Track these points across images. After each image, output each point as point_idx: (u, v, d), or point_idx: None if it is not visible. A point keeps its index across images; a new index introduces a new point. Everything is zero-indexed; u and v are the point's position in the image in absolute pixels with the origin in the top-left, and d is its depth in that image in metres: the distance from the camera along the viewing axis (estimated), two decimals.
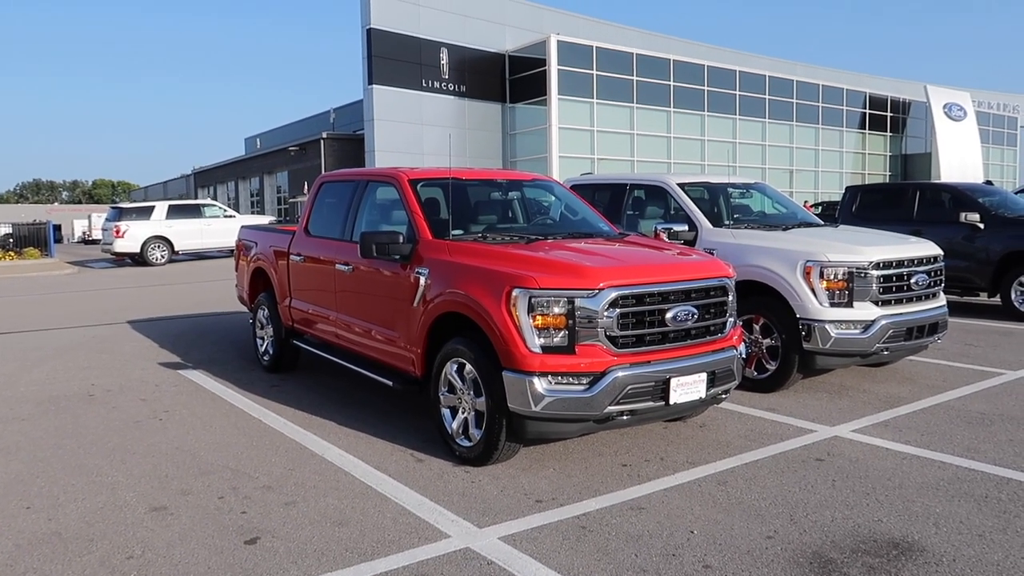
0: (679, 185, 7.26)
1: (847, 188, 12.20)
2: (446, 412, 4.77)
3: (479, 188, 5.98)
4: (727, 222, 7.06)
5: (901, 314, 6.06)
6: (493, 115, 35.45)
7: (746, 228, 6.84)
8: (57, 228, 31.02)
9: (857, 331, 5.91)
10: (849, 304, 5.94)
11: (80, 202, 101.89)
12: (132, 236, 21.69)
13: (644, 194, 7.70)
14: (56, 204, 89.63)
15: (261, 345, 7.51)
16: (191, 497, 4.14)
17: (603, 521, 3.77)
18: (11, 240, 26.25)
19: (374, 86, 31.47)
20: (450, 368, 4.68)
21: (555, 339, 4.17)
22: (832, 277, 5.93)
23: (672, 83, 37.13)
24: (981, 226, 10.20)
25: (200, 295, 14.33)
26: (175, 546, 3.52)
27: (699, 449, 4.87)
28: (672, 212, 7.38)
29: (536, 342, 4.16)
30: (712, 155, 38.76)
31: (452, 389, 4.73)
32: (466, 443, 4.60)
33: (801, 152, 43.30)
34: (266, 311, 7.35)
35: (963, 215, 10.21)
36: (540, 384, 4.12)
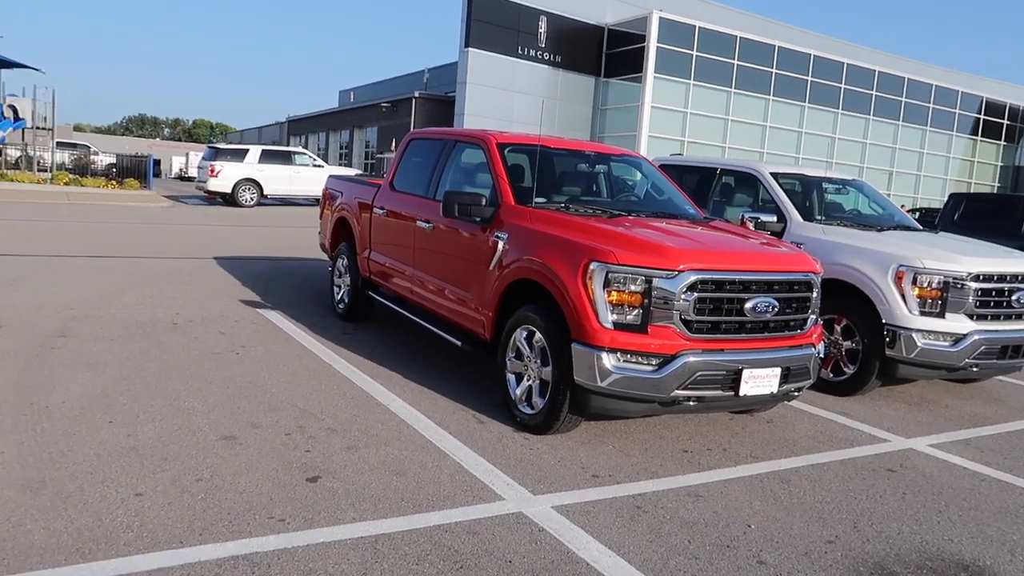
0: (772, 174, 7.02)
1: (951, 195, 11.60)
2: (511, 378, 4.79)
3: (566, 158, 5.91)
4: (818, 217, 6.79)
5: (997, 331, 5.74)
6: (586, 88, 35.02)
7: (838, 225, 6.57)
8: (157, 163, 32.39)
9: (946, 343, 5.63)
10: (941, 315, 5.65)
11: (180, 139, 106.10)
12: (225, 176, 22.44)
13: (734, 180, 7.48)
14: (157, 140, 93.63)
15: (337, 293, 7.68)
16: (259, 431, 4.29)
17: (658, 504, 3.73)
18: (114, 170, 27.55)
19: (470, 49, 31.48)
20: (519, 334, 4.68)
21: (628, 317, 4.11)
22: (925, 285, 5.65)
23: (774, 70, 35.86)
24: None
25: (283, 239, 14.76)
26: (241, 475, 3.66)
27: (764, 444, 4.76)
28: (761, 202, 7.15)
29: (609, 317, 4.11)
30: (809, 148, 37.42)
31: (519, 355, 4.73)
32: (528, 410, 4.61)
33: (904, 154, 41.33)
34: (345, 260, 7.50)
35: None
36: (608, 360, 4.08)
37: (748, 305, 4.25)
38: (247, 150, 23.51)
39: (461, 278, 5.37)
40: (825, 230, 6.38)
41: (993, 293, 5.76)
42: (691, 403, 4.24)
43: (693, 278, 4.10)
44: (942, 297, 5.65)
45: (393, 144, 34.91)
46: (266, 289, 8.95)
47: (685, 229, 4.86)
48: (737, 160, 7.59)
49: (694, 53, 33.52)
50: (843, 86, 38.18)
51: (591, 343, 4.12)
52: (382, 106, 38.41)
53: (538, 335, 4.50)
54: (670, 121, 33.56)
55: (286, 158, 23.91)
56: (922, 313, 5.66)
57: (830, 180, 7.45)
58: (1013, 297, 5.84)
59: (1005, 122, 45.71)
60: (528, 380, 4.64)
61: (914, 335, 5.62)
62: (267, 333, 6.74)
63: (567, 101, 34.27)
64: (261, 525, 3.18)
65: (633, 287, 4.10)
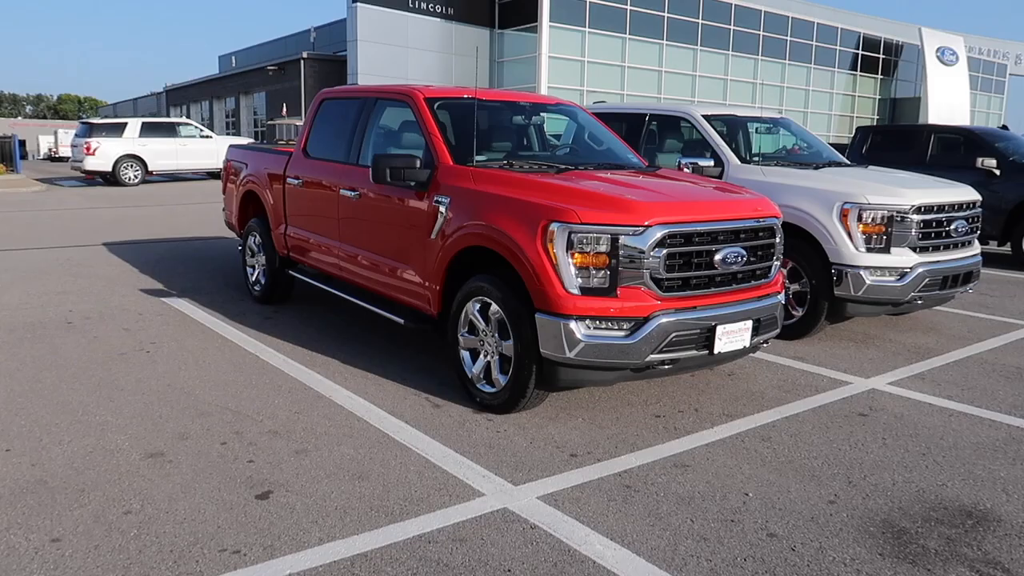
0: (704, 117, 6.79)
1: (858, 128, 11.79)
2: (465, 355, 4.40)
3: (500, 111, 5.47)
4: (755, 158, 6.63)
5: (938, 262, 5.75)
6: (481, 40, 34.15)
7: (776, 166, 6.43)
8: (22, 143, 29.66)
9: (892, 278, 5.59)
10: (886, 250, 5.60)
11: (45, 117, 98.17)
12: (104, 154, 20.70)
13: (664, 125, 7.23)
14: (19, 119, 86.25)
15: (252, 274, 7.04)
16: (190, 442, 3.76)
17: (648, 480, 3.46)
18: None
19: (358, 4, 30.03)
20: (472, 307, 4.28)
21: (595, 280, 3.78)
22: (871, 220, 5.58)
23: (666, 15, 35.99)
24: (997, 172, 9.89)
25: (177, 218, 13.70)
26: (177, 499, 3.15)
27: (733, 400, 4.57)
28: (694, 145, 6.93)
29: (574, 282, 3.77)
30: (703, 92, 37.96)
31: (473, 330, 4.35)
32: (489, 388, 4.24)
33: (792, 92, 42.62)
34: (257, 238, 6.85)
35: (979, 160, 9.88)
36: (577, 328, 3.75)
37: (718, 257, 3.99)
38: (125, 124, 21.75)
39: (398, 250, 4.90)
40: (764, 171, 6.22)
41: (934, 224, 5.75)
42: (666, 367, 3.98)
43: (661, 232, 3.80)
44: (887, 232, 5.59)
45: (284, 109, 33.22)
46: (168, 275, 8.16)
47: (638, 180, 4.54)
48: (666, 105, 7.34)
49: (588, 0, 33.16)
50: (732, 28, 38.78)
51: (557, 311, 3.78)
52: (268, 69, 36.40)
53: (494, 307, 4.12)
54: (569, 71, 33.25)
55: (170, 130, 22.27)
56: (868, 250, 5.59)
57: (759, 120, 7.30)
58: (952, 227, 5.86)
59: (881, 56, 47.78)
60: (486, 356, 4.27)
61: (861, 272, 5.56)
62: (178, 325, 6.08)
63: (463, 56, 33.38)
64: (212, 561, 2.71)
65: (599, 247, 3.76)
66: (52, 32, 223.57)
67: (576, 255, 3.77)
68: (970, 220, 6.05)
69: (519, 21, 33.46)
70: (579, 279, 3.77)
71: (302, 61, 33.83)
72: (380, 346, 5.52)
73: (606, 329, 3.80)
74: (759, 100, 40.51)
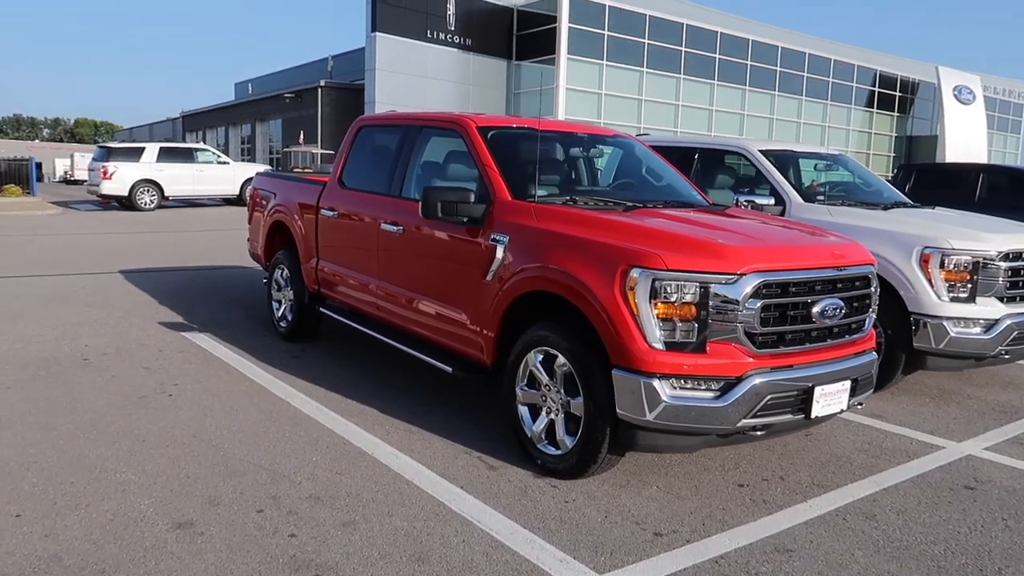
0: (761, 152, 6.40)
1: (900, 166, 11.41)
2: (524, 411, 3.97)
3: (555, 143, 5.08)
4: (819, 197, 6.23)
5: None
6: (498, 72, 34.16)
7: (842, 205, 6.02)
8: (39, 166, 29.60)
9: (978, 330, 5.14)
10: (971, 299, 5.16)
11: (62, 140, 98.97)
12: (120, 178, 20.48)
13: (716, 160, 6.85)
14: (36, 141, 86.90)
15: (278, 309, 6.64)
16: (222, 509, 3.32)
17: (749, 568, 3.00)
18: None
19: (377, 34, 30.07)
20: (533, 358, 3.86)
21: (682, 334, 3.35)
22: (954, 267, 5.14)
23: (683, 48, 35.96)
24: None
25: (195, 246, 13.37)
26: None
27: (819, 466, 4.11)
28: (748, 182, 6.54)
29: (657, 336, 3.34)
30: (720, 126, 37.78)
31: (534, 384, 3.92)
32: (553, 451, 3.80)
33: (808, 128, 42.40)
34: (285, 271, 6.46)
35: None
36: (661, 388, 3.31)
37: (816, 309, 3.56)
38: (143, 148, 21.56)
39: (446, 291, 4.49)
40: (831, 211, 5.81)
41: (1022, 272, 5.31)
42: (758, 433, 3.54)
43: (757, 281, 3.37)
44: (972, 280, 5.15)
45: (301, 136, 33.13)
46: (188, 307, 7.77)
47: (717, 220, 4.13)
48: (718, 138, 6.95)
49: (605, 33, 33.16)
50: (749, 63, 38.71)
51: (637, 368, 3.34)
52: (285, 97, 36.42)
53: (561, 359, 3.69)
54: (585, 102, 33.16)
55: (187, 155, 22.08)
56: (951, 299, 5.15)
57: (818, 155, 6.92)
58: None
59: (897, 94, 47.65)
60: (548, 414, 3.83)
61: (944, 323, 5.11)
62: (200, 364, 5.67)
63: (480, 86, 33.35)
64: None
65: (687, 297, 3.34)
66: (71, 56, 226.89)
67: (659, 305, 3.35)
68: None
69: (537, 53, 33.45)
70: (663, 332, 3.35)
71: (319, 89, 33.82)
72: (418, 393, 5.09)
73: (693, 389, 3.36)
74: (774, 135, 40.30)
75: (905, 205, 6.46)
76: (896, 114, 47.86)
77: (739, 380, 3.36)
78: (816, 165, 6.85)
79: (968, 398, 5.59)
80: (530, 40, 33.72)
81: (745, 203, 5.68)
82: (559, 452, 3.76)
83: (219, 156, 22.89)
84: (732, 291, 3.35)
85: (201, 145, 24.33)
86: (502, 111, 34.50)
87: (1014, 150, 55.77)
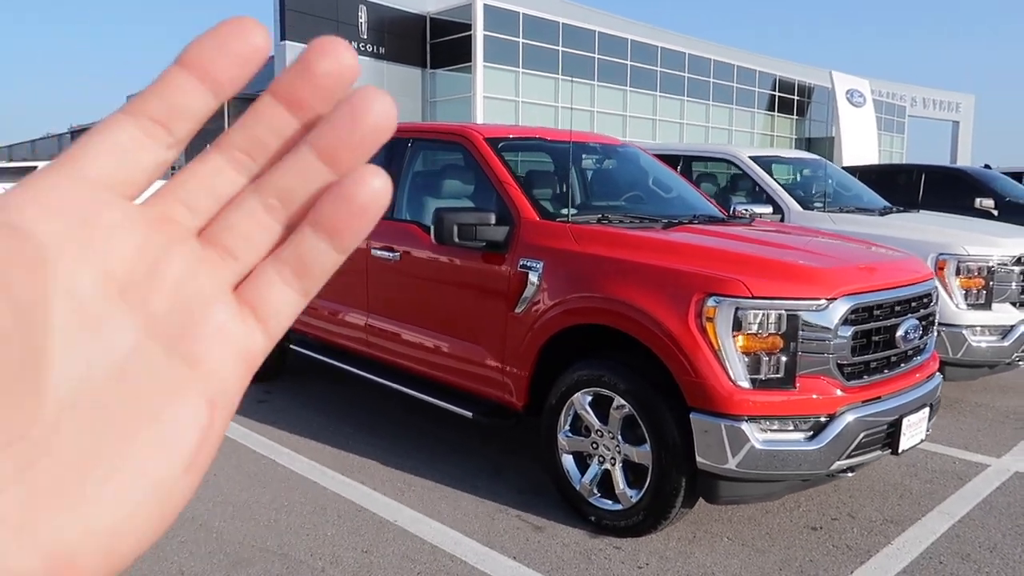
0: (752, 158, 6.15)
1: (842, 168, 11.51)
2: (568, 460, 3.48)
3: (566, 154, 4.61)
4: (816, 204, 6.01)
5: None
6: (414, 80, 33.53)
7: (839, 212, 5.82)
8: None
9: (995, 338, 5.00)
10: (987, 306, 5.02)
11: None
12: None
13: (703, 168, 6.56)
14: None
15: None
16: None
17: None
18: None
19: (287, 42, 28.91)
20: (581, 401, 3.38)
21: (770, 369, 2.95)
22: (970, 273, 4.98)
23: (596, 55, 36.28)
24: (995, 212, 9.66)
25: None
26: None
27: (880, 498, 3.80)
28: (736, 189, 6.28)
29: (742, 373, 2.93)
30: (633, 132, 38.28)
31: (578, 429, 3.44)
32: (610, 505, 3.33)
33: (716, 132, 43.51)
34: None
35: (978, 201, 9.64)
36: (751, 432, 2.90)
37: (899, 333, 3.24)
38: (34, 167, 19.81)
39: (461, 324, 3.95)
40: (833, 218, 5.59)
41: None
42: (849, 474, 3.18)
43: (846, 307, 3.02)
44: (987, 286, 5.01)
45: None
46: None
47: (768, 236, 3.78)
48: (706, 145, 6.67)
49: (520, 40, 33.05)
50: (659, 69, 39.46)
51: (721, 411, 2.92)
52: None
53: (618, 401, 3.23)
54: (503, 110, 32.83)
55: None
56: (969, 306, 4.99)
57: (802, 161, 6.73)
58: None
59: (796, 98, 49.65)
60: (601, 463, 3.36)
61: (963, 332, 4.94)
62: None
63: (396, 95, 31.75)
64: None
65: (774, 328, 2.94)
66: None
67: (742, 337, 2.94)
68: None
69: (452, 61, 32.97)
70: (748, 368, 2.94)
71: (226, 101, 32.18)
72: (422, 441, 4.51)
73: (783, 431, 2.97)
74: (684, 139, 41.20)
75: (892, 210, 6.33)
76: (795, 117, 49.82)
77: (832, 418, 2.99)
78: (802, 171, 6.66)
79: (978, 406, 5.45)
80: (445, 48, 33.24)
81: (743, 212, 5.39)
82: (620, 507, 3.29)
83: None
84: (823, 318, 2.97)
85: None
86: (419, 120, 33.83)
87: (900, 149, 59.09)
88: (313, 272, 0.30)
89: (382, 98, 0.30)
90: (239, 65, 0.29)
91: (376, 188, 0.29)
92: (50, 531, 0.25)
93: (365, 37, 31.36)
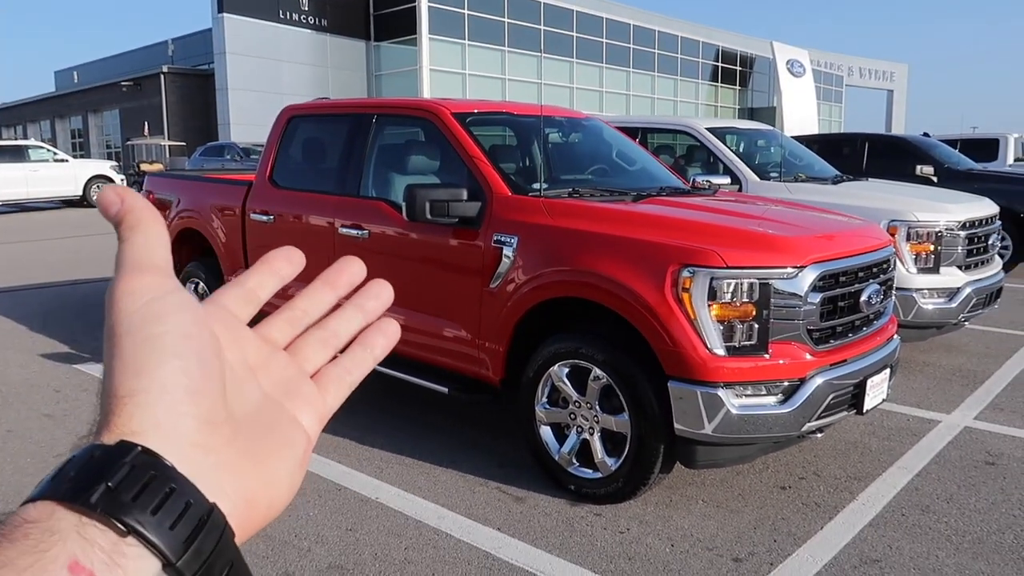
0: (709, 130, 6.24)
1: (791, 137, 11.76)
2: (546, 432, 3.54)
3: (533, 128, 4.62)
4: (772, 174, 6.15)
5: (979, 280, 5.45)
6: (357, 53, 32.89)
7: (795, 181, 5.97)
8: None
9: (943, 300, 5.23)
10: (935, 270, 5.23)
11: None
12: None
13: (661, 141, 6.63)
14: None
15: None
16: None
17: None
18: None
19: (224, 15, 28.03)
20: (559, 373, 3.44)
21: (743, 336, 3.05)
22: (920, 238, 5.18)
23: (542, 27, 36.07)
24: (935, 179, 10.01)
25: (47, 256, 11.77)
26: None
27: (841, 456, 3.97)
28: (693, 161, 6.38)
29: (718, 341, 3.02)
30: (581, 103, 38.31)
31: (557, 401, 3.50)
32: (590, 474, 3.40)
33: (662, 103, 43.90)
34: (200, 285, 5.63)
35: (919, 168, 9.97)
36: (727, 398, 3.00)
37: (863, 298, 3.37)
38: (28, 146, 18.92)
39: (434, 301, 3.96)
40: (789, 188, 5.74)
41: (975, 240, 5.45)
42: (818, 435, 3.31)
43: (815, 274, 3.12)
44: (936, 251, 5.22)
45: (146, 128, 30.47)
46: (67, 332, 6.68)
47: (737, 207, 3.87)
48: (664, 118, 6.75)
49: (466, 12, 32.65)
50: (604, 40, 39.46)
51: (700, 378, 3.01)
52: (122, 85, 33.33)
53: (596, 372, 3.30)
54: (450, 83, 32.55)
55: (18, 154, 19.56)
56: (919, 270, 5.19)
57: (757, 132, 6.86)
58: (989, 242, 5.58)
59: (738, 68, 50.30)
60: (579, 433, 3.43)
61: (913, 295, 5.15)
62: None
63: (339, 68, 31.98)
64: None
65: (747, 296, 3.03)
66: None
67: (716, 306, 3.02)
68: (998, 235, 5.82)
69: (397, 33, 32.45)
70: (723, 336, 3.03)
71: (162, 76, 31.19)
72: (395, 419, 4.52)
73: (757, 396, 3.07)
74: (631, 111, 41.43)
75: (844, 179, 6.52)
76: (738, 87, 50.54)
77: (803, 382, 3.11)
78: (757, 141, 6.79)
79: (926, 365, 5.70)
80: (389, 20, 32.64)
81: (703, 183, 5.48)
82: (600, 476, 3.37)
83: (56, 153, 20.49)
84: (793, 286, 3.07)
85: (33, 142, 21.70)
86: (364, 94, 33.27)
87: (838, 118, 60.52)
88: (359, 368, 0.51)
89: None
90: (293, 272, 0.53)
91: (394, 330, 0.53)
92: (246, 479, 0.40)
93: (306, 9, 30.62)
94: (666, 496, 3.48)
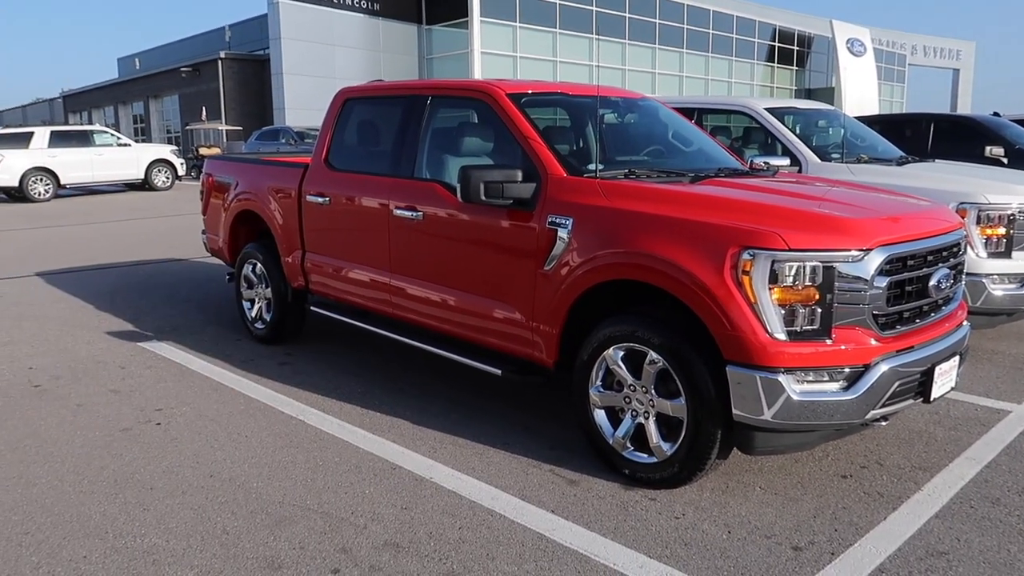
0: (768, 110, 6.08)
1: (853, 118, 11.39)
2: (600, 415, 3.52)
3: (593, 108, 4.54)
4: (834, 155, 5.97)
5: None
6: (409, 37, 32.99)
7: (856, 163, 5.78)
8: None
9: (1015, 285, 5.02)
10: (1007, 254, 5.02)
11: None
12: (8, 167, 18.56)
13: (719, 121, 6.49)
14: None
15: (251, 309, 5.91)
16: (286, 573, 2.73)
17: None
18: None
19: (280, 0, 28.38)
20: (614, 356, 3.40)
21: (805, 321, 2.96)
22: (991, 222, 4.97)
23: (594, 8, 35.63)
24: (1005, 160, 9.60)
25: (111, 238, 12.15)
26: None
27: (905, 445, 3.85)
28: (751, 142, 6.23)
29: (779, 325, 2.94)
30: (633, 85, 37.79)
31: (611, 384, 3.47)
32: (645, 459, 3.36)
33: (716, 85, 43.05)
34: (259, 266, 5.74)
35: (988, 149, 9.57)
36: (787, 383, 2.92)
37: (932, 282, 3.24)
38: (32, 133, 19.61)
39: (488, 283, 3.95)
40: (852, 169, 5.56)
41: None
42: (883, 423, 3.21)
43: (881, 257, 3.01)
44: (1008, 235, 5.00)
45: (203, 113, 31.14)
46: (133, 311, 6.89)
47: (799, 188, 3.76)
48: (721, 98, 6.60)
49: None
50: (658, 21, 38.79)
51: (759, 363, 2.94)
52: (181, 71, 34.11)
53: (652, 355, 3.25)
54: (501, 66, 32.43)
55: (83, 139, 20.23)
56: (990, 255, 4.99)
57: (817, 112, 6.66)
58: None
59: (795, 48, 48.96)
60: (634, 417, 3.39)
61: (984, 280, 4.95)
62: (178, 381, 4.93)
63: (391, 52, 32.13)
64: None
65: (809, 280, 2.94)
66: None
67: (777, 290, 2.94)
68: None
69: (448, 16, 32.43)
70: (784, 320, 2.95)
71: (219, 61, 31.81)
72: (447, 400, 4.54)
73: (819, 382, 2.99)
74: (684, 92, 40.68)
75: (909, 160, 6.29)
76: (795, 68, 49.21)
77: (867, 368, 3.01)
78: (818, 122, 6.59)
79: (994, 353, 5.49)
80: (440, 3, 32.63)
81: (761, 164, 5.35)
82: (653, 460, 3.33)
83: (119, 138, 21.13)
84: (859, 269, 2.97)
85: (98, 127, 22.37)
86: (416, 78, 33.40)
87: (900, 99, 58.51)
88: None
89: None
90: None
91: None
92: None
93: None
94: (722, 482, 3.42)
